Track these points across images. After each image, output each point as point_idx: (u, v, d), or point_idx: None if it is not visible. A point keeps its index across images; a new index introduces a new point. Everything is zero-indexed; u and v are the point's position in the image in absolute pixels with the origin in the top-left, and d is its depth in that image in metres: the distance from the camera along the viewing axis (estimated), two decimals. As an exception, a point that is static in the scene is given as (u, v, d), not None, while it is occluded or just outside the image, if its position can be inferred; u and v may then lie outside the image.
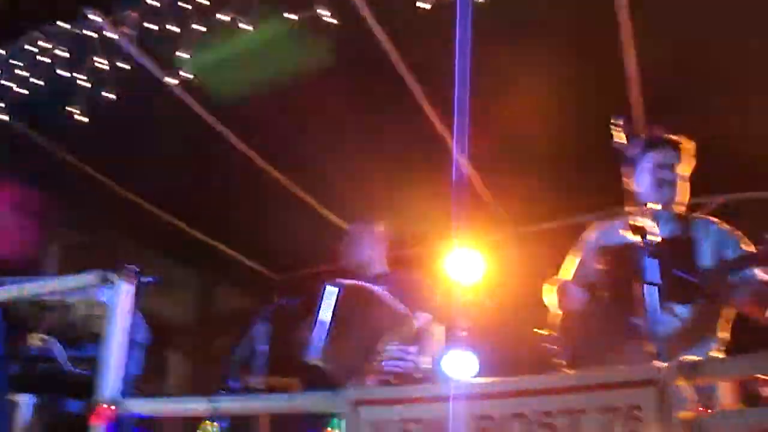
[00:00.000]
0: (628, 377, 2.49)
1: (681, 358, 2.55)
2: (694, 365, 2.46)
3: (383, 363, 4.26)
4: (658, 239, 2.94)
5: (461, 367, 7.15)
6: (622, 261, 3.00)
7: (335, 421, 3.24)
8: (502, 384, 2.74)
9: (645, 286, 2.82)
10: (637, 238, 2.85)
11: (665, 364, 2.47)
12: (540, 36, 5.03)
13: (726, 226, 3.75)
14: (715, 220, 3.81)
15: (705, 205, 6.77)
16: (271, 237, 7.58)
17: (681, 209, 3.81)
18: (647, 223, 2.88)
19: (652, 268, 2.84)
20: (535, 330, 3.73)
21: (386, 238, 5.07)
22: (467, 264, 6.93)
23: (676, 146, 3.77)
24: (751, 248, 3.60)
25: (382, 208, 6.28)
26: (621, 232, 3.10)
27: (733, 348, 3.65)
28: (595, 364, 3.45)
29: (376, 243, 4.99)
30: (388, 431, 2.97)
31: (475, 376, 7.07)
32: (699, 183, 6.42)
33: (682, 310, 3.46)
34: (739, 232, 3.72)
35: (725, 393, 4.02)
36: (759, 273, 3.45)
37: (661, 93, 5.52)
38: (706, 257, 3.59)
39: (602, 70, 5.36)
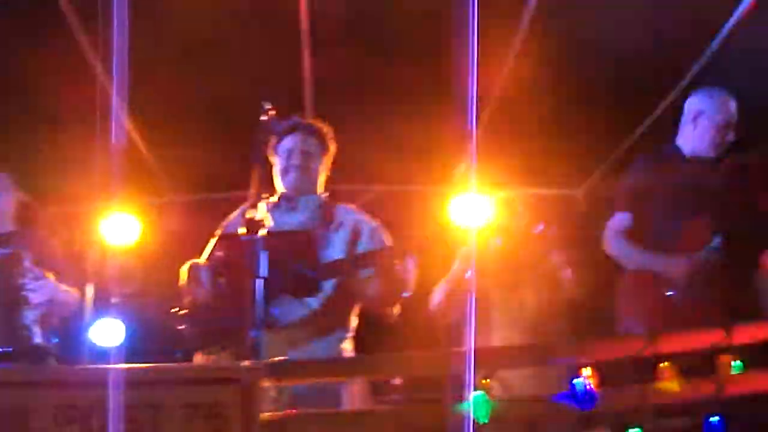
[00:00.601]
0: (213, 374, 2.43)
1: (272, 359, 2.51)
2: (278, 366, 2.43)
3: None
4: (269, 231, 2.87)
5: (110, 336, 6.90)
6: (240, 251, 2.91)
7: None
8: (85, 372, 2.57)
9: (256, 279, 2.76)
10: (250, 230, 2.77)
11: (251, 363, 2.42)
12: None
13: (365, 216, 3.78)
14: (355, 208, 3.83)
15: (363, 193, 6.99)
16: None
17: (321, 195, 3.81)
18: (261, 215, 2.80)
19: (264, 260, 2.78)
20: (172, 309, 3.60)
21: (13, 190, 4.62)
22: (122, 228, 6.64)
23: (311, 132, 3.75)
24: (388, 238, 3.67)
25: (37, 159, 5.91)
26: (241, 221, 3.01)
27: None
28: (219, 352, 3.39)
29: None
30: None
31: (123, 346, 6.84)
32: (359, 171, 6.70)
33: (311, 302, 3.45)
34: (378, 222, 3.76)
35: (353, 393, 4.11)
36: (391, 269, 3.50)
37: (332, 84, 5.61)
38: (340, 247, 3.61)
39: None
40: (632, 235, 4.17)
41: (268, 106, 3.23)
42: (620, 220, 4.24)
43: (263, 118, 3.22)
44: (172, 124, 5.99)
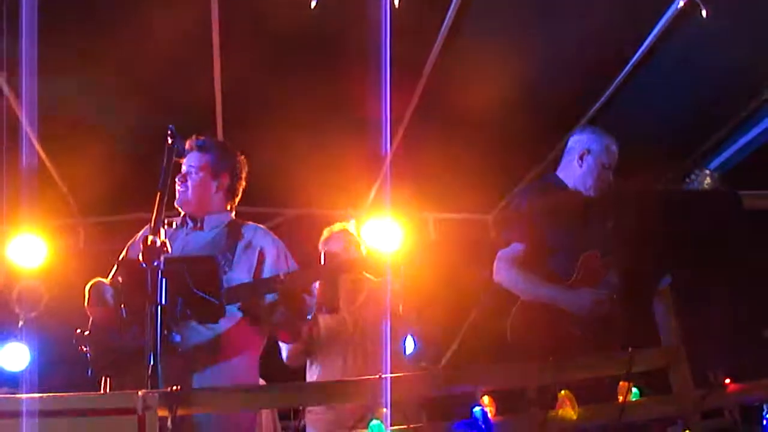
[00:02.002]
0: (107, 404, 2.37)
1: (170, 387, 2.47)
2: (176, 395, 2.39)
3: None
4: (170, 256, 2.81)
5: (14, 359, 6.77)
6: (139, 277, 2.83)
7: None
8: None
9: (154, 305, 2.69)
10: (149, 256, 2.70)
11: (146, 392, 2.37)
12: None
13: (272, 237, 3.73)
14: (263, 228, 3.78)
15: (276, 216, 6.98)
16: None
17: (227, 213, 3.77)
18: (161, 240, 2.75)
19: (162, 287, 2.72)
20: (77, 330, 3.50)
21: None
22: (29, 249, 6.50)
23: (204, 149, 3.72)
24: (293, 262, 3.63)
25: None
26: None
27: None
28: (120, 375, 3.32)
29: None
30: None
31: (28, 369, 6.70)
32: (273, 195, 6.67)
33: (215, 326, 3.39)
34: (284, 245, 3.73)
35: (259, 421, 4.08)
36: (295, 295, 3.47)
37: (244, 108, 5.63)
38: (245, 269, 3.55)
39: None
40: (526, 265, 4.14)
41: (172, 128, 3.18)
42: (514, 249, 4.19)
43: (169, 140, 3.17)
44: (81, 144, 5.88)
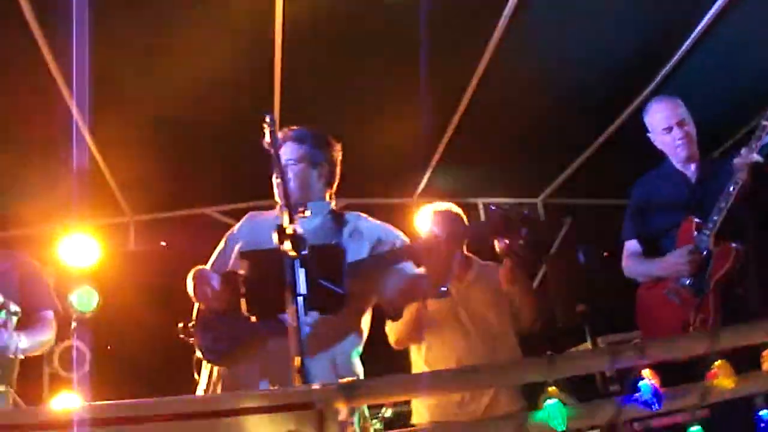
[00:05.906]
0: (283, 400, 2.28)
1: (341, 381, 2.40)
2: (352, 386, 2.32)
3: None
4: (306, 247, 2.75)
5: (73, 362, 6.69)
6: (268, 266, 2.76)
7: None
8: (120, 409, 2.21)
9: (295, 297, 2.62)
10: (291, 245, 2.63)
11: (323, 386, 2.29)
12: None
13: (375, 220, 3.67)
14: (364, 215, 3.71)
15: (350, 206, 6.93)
16: None
17: (330, 201, 3.72)
18: (297, 229, 2.67)
19: (301, 277, 2.65)
20: (179, 323, 3.43)
21: None
22: (82, 249, 6.43)
23: (301, 140, 3.65)
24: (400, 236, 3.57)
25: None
26: (271, 233, 2.84)
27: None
28: (235, 362, 3.26)
29: None
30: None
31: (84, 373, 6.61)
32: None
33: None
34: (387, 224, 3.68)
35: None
36: (409, 267, 3.41)
37: (300, 99, 5.56)
38: (359, 253, 3.48)
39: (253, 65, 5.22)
40: (646, 254, 4.33)
41: (270, 116, 3.12)
42: (630, 246, 4.42)
43: (268, 130, 3.10)
44: (132, 140, 5.81)
